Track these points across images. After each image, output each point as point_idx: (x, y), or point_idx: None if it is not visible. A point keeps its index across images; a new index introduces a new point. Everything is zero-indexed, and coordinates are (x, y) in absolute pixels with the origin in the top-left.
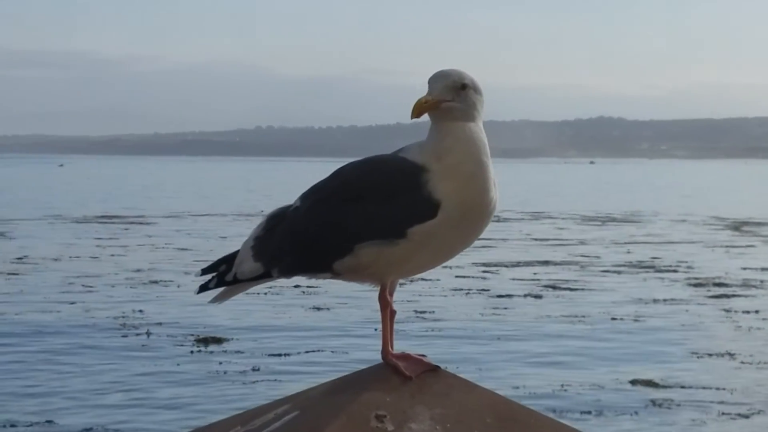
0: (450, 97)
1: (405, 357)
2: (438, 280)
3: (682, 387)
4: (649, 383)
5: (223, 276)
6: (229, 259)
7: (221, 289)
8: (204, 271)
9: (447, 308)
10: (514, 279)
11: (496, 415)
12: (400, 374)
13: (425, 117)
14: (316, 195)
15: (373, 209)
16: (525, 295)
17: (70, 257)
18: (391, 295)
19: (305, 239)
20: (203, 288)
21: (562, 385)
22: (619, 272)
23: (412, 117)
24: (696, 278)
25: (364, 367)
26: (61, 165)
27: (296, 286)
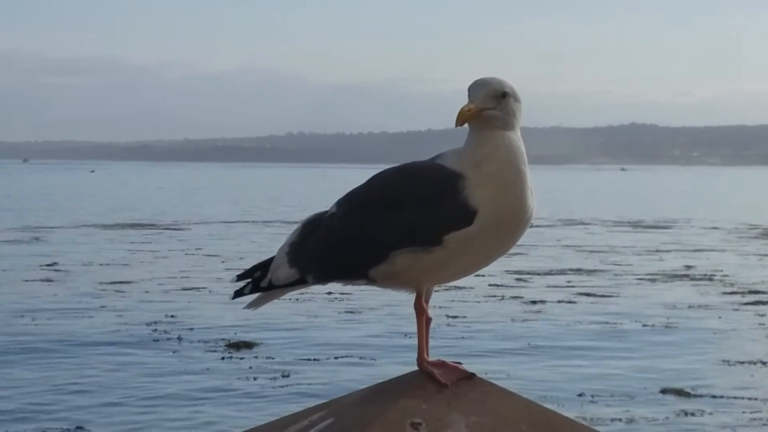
0: (491, 105)
1: (441, 364)
2: (472, 287)
3: (713, 396)
4: (680, 392)
5: (258, 282)
6: (264, 266)
7: (256, 295)
8: (239, 277)
9: (480, 315)
10: (547, 286)
11: (531, 423)
12: (436, 382)
13: (451, 124)
14: (352, 201)
15: (409, 216)
16: (558, 301)
17: (103, 264)
18: (427, 302)
19: (341, 245)
20: (238, 294)
21: (592, 395)
22: (651, 280)
23: (457, 125)
24: (728, 286)
25: (397, 374)
26: (92, 171)
27: (329, 293)
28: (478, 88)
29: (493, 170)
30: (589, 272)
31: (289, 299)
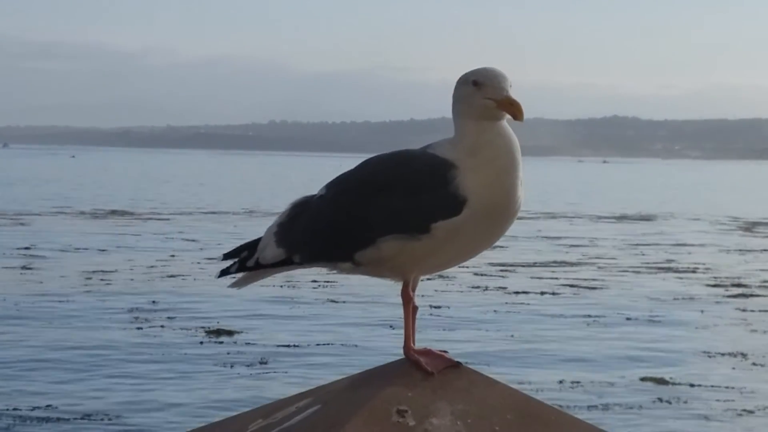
0: None
1: (427, 353)
2: (455, 277)
3: (691, 385)
4: (660, 380)
5: (245, 261)
6: (251, 246)
7: (242, 274)
8: (226, 256)
9: (464, 305)
10: (530, 278)
11: (516, 411)
12: (422, 370)
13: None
14: (342, 185)
15: (398, 203)
16: (541, 293)
17: (84, 249)
18: (413, 291)
19: (329, 227)
20: (224, 272)
21: (572, 381)
22: (634, 272)
23: (522, 119)
24: (711, 279)
25: (383, 362)
26: (73, 156)
27: (313, 280)
28: (505, 79)
29: (487, 159)
30: (572, 264)
31: (273, 286)
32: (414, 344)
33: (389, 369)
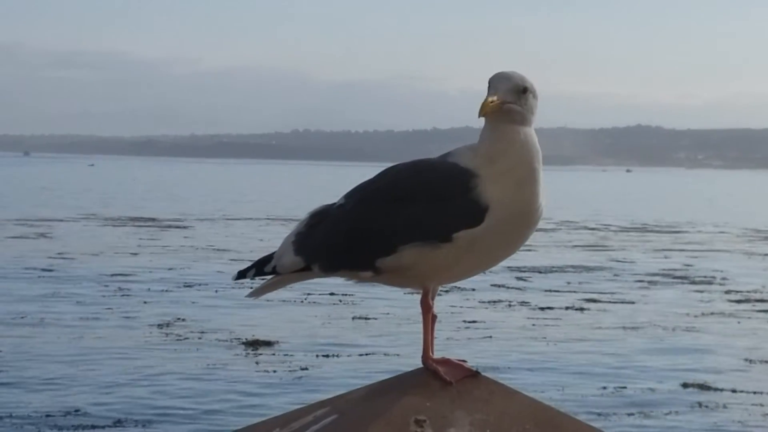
0: (512, 100)
1: (445, 362)
2: (474, 290)
3: (734, 391)
4: (702, 386)
5: (262, 266)
6: (268, 259)
7: (259, 284)
8: (240, 275)
9: (491, 317)
10: (562, 288)
11: (535, 421)
12: (440, 379)
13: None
14: (362, 193)
15: (419, 211)
16: (567, 308)
17: (111, 256)
18: (433, 300)
19: (350, 236)
20: (241, 275)
21: (615, 387)
22: (657, 282)
23: (480, 116)
24: (743, 289)
25: (402, 371)
26: (92, 165)
27: (331, 293)
28: (500, 80)
29: (506, 167)
30: (601, 273)
31: (302, 301)
32: (433, 353)
33: (407, 378)
